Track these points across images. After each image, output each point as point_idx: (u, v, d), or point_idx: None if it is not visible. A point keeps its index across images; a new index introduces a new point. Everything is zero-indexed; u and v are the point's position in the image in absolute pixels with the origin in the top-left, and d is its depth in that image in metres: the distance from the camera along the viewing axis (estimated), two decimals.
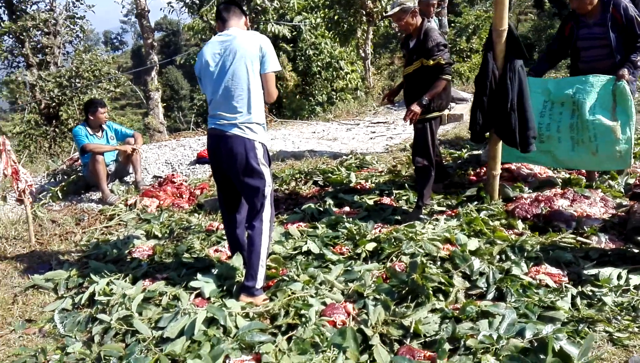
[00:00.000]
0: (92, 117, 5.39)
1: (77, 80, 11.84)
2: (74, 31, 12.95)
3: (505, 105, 3.63)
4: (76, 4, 12.82)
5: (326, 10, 12.77)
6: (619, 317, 2.51)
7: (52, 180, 5.99)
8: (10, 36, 12.11)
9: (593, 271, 2.90)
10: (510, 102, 3.62)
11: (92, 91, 12.25)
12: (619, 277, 2.81)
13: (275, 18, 10.83)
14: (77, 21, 12.89)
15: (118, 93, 12.82)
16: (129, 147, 5.37)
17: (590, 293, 2.71)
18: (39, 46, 12.58)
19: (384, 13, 11.30)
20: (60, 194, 5.37)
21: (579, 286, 2.79)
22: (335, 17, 11.65)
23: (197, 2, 9.84)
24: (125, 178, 5.79)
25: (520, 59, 3.64)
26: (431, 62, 3.82)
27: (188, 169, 6.11)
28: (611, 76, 3.78)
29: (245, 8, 9.50)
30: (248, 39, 2.99)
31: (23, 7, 12.15)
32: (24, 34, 11.72)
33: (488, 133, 4.03)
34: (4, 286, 3.63)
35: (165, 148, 6.90)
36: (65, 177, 5.86)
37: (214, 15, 11.03)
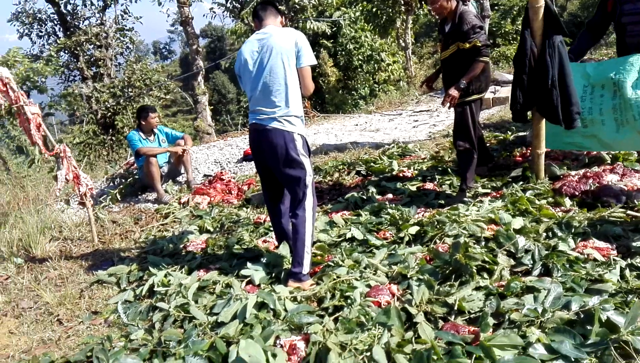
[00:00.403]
0: (144, 123, 5.69)
1: (129, 89, 12.39)
2: (124, 43, 13.56)
3: (546, 82, 3.57)
4: (124, 16, 13.42)
5: (364, 3, 12.77)
6: None
7: (111, 184, 6.35)
8: (66, 52, 12.82)
9: None
10: (551, 78, 3.55)
11: (144, 99, 12.78)
12: None
13: (314, 15, 10.94)
14: (126, 33, 13.49)
15: (169, 100, 13.30)
16: (179, 148, 5.63)
17: None
18: (92, 59, 13.24)
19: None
20: (119, 197, 5.70)
21: (628, 259, 2.73)
22: (374, 10, 11.65)
23: (238, 5, 10.09)
24: (177, 178, 6.07)
25: (559, 34, 3.56)
26: (467, 45, 3.80)
27: (236, 166, 6.32)
28: None
29: (283, 7, 9.68)
30: (284, 35, 3.10)
31: (76, 23, 12.83)
32: (78, 48, 12.39)
33: (530, 112, 3.97)
34: (71, 282, 3.90)
35: (213, 148, 7.16)
36: (123, 180, 6.20)
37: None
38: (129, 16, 13.38)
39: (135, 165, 6.58)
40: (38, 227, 4.80)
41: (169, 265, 3.71)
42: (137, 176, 5.98)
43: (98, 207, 5.41)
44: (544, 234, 3.18)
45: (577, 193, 3.70)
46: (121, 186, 5.87)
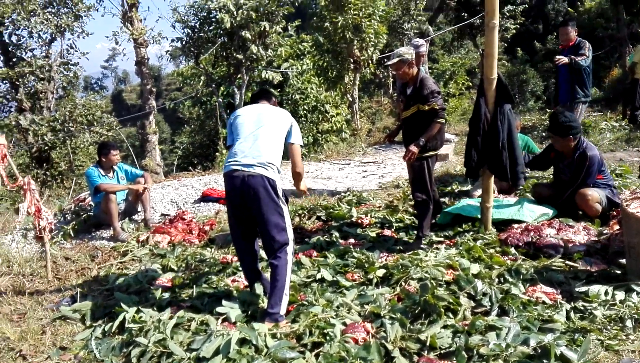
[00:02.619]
0: (104, 159, 5.67)
1: (70, 124, 12.06)
2: (68, 77, 13.26)
3: (497, 144, 4.06)
4: (70, 51, 13.17)
5: (315, 58, 13.44)
6: (609, 327, 2.85)
7: (61, 219, 6.18)
8: (5, 82, 12.35)
9: (583, 289, 3.26)
10: (502, 141, 4.05)
11: (84, 135, 12.47)
12: (606, 293, 3.17)
13: (263, 65, 11.36)
14: (71, 68, 13.22)
15: (110, 138, 13.04)
16: (140, 186, 5.65)
17: (582, 308, 3.06)
18: (32, 91, 12.80)
19: (371, 61, 12.01)
20: (72, 233, 5.56)
21: (572, 302, 3.14)
22: (324, 65, 12.31)
23: (194, 50, 10.33)
24: (133, 216, 6.02)
25: (508, 103, 4.09)
26: (426, 107, 4.25)
27: (193, 207, 6.37)
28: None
29: (240, 56, 10.02)
30: (280, 111, 3.59)
31: (19, 53, 12.44)
32: (20, 80, 11.98)
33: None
34: (30, 318, 3.78)
35: (168, 188, 7.17)
36: (74, 216, 6.06)
37: (211, 63, 11.60)
38: (75, 51, 13.19)
39: (86, 201, 6.46)
40: None
41: (137, 302, 3.71)
42: (91, 213, 5.88)
43: (50, 243, 5.26)
44: (497, 279, 3.55)
45: (520, 244, 4.14)
46: (74, 222, 5.74)
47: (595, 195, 4.51)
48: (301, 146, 3.58)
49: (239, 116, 3.55)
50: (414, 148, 4.29)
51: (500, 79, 4.06)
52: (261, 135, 3.38)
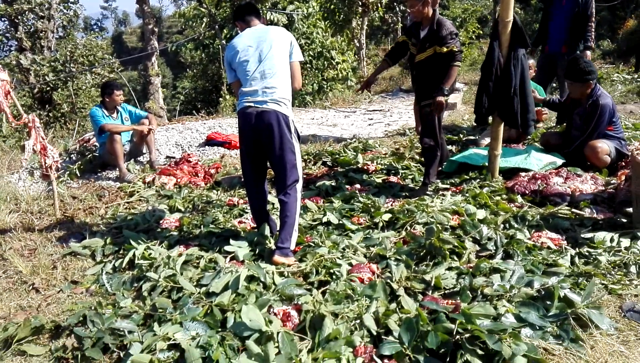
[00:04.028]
0: (108, 99, 5.60)
1: (71, 65, 11.89)
2: (67, 16, 12.96)
3: (509, 90, 3.98)
4: None
5: (322, 0, 13.04)
6: (613, 272, 2.89)
7: (67, 159, 6.19)
8: (4, 20, 12.09)
9: (588, 235, 3.29)
10: (514, 87, 3.97)
11: (86, 76, 12.31)
12: (612, 240, 3.19)
13: (268, 6, 11.04)
14: (70, 6, 12.90)
15: (112, 79, 12.89)
16: (145, 127, 5.61)
17: (587, 254, 3.09)
18: (32, 30, 12.55)
19: (381, 4, 11.66)
20: (77, 173, 5.58)
21: (577, 248, 3.17)
22: (332, 7, 11.95)
23: None
24: (138, 158, 6.02)
25: (523, 47, 3.98)
26: (445, 49, 4.12)
27: (198, 150, 6.35)
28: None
29: None
30: (280, 32, 3.47)
31: None
32: (19, 17, 11.72)
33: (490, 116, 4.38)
34: (41, 254, 3.85)
35: (173, 131, 7.13)
36: (80, 156, 6.05)
37: (214, 3, 11.25)
38: None
39: (90, 142, 6.45)
40: None
41: (147, 240, 3.76)
42: (97, 153, 5.88)
43: (57, 181, 5.28)
44: (502, 225, 3.57)
45: (527, 192, 4.14)
46: (80, 162, 5.75)
47: (605, 147, 4.47)
48: (301, 61, 3.57)
49: (239, 51, 3.42)
50: (441, 99, 4.14)
51: (515, 22, 3.94)
52: (268, 71, 3.33)
